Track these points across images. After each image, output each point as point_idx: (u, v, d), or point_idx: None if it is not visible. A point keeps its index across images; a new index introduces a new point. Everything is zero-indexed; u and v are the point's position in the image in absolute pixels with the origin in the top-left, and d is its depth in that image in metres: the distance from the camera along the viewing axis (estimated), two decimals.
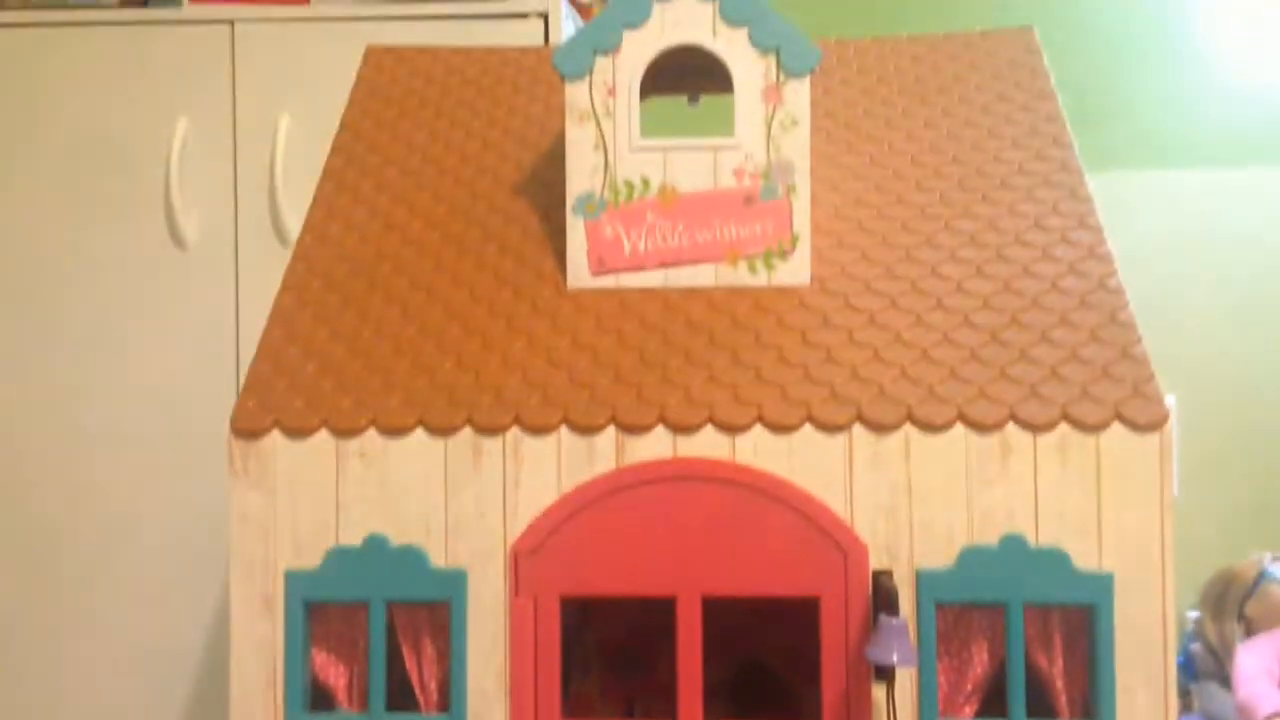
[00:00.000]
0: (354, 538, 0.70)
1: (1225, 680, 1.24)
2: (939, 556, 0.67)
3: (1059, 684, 0.68)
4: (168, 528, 1.38)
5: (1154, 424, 0.67)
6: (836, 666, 0.67)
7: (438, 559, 0.70)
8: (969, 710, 0.69)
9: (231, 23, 1.43)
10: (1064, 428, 0.67)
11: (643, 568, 0.68)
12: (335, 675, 0.72)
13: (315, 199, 0.87)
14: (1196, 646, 1.33)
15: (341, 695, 0.73)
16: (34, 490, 1.42)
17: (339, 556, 0.70)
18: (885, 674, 0.65)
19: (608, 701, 0.87)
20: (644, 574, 0.68)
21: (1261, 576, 1.26)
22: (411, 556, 0.70)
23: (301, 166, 1.36)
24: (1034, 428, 0.67)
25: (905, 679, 0.67)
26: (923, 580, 0.67)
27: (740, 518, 0.68)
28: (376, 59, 1.00)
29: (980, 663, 0.69)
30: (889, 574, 0.67)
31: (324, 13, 1.44)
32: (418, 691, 0.71)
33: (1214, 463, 1.62)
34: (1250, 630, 1.25)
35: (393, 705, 0.71)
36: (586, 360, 0.73)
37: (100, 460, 1.42)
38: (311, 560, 0.70)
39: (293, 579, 0.71)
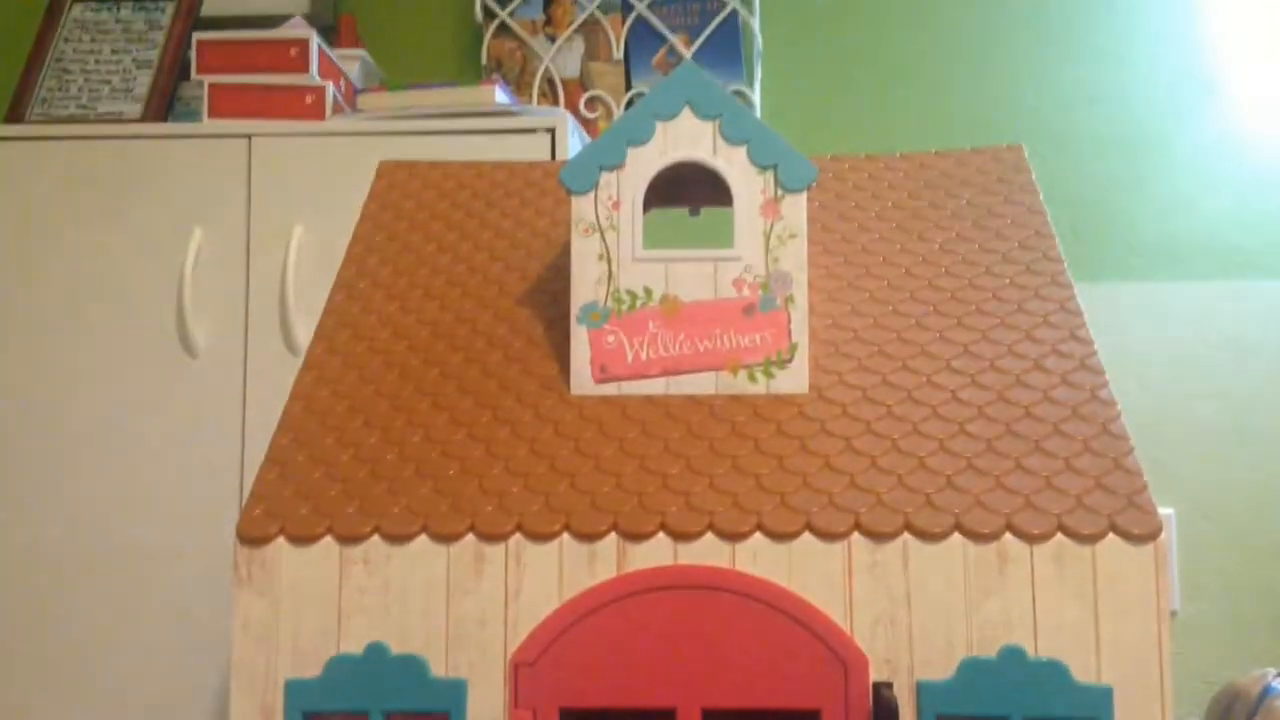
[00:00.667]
0: (355, 646, 0.70)
1: None
2: (939, 668, 0.67)
3: None
4: (169, 634, 1.37)
5: (1149, 535, 0.67)
6: None
7: (438, 668, 0.70)
8: None
9: (249, 137, 1.48)
10: (1060, 538, 0.68)
11: (642, 678, 0.68)
12: None
13: (326, 308, 0.89)
14: None
15: None
16: (37, 594, 1.42)
17: (339, 665, 0.70)
18: None
19: None
20: (643, 685, 0.68)
21: (1266, 692, 1.24)
22: (412, 666, 0.70)
23: (313, 277, 1.40)
24: (1030, 538, 0.68)
25: None
26: (924, 692, 0.67)
27: (740, 627, 0.68)
28: (389, 173, 1.03)
29: None
30: (889, 686, 0.67)
31: (339, 128, 1.49)
32: None
33: (1214, 577, 1.60)
34: None
35: None
36: (588, 467, 0.74)
37: (103, 565, 1.41)
38: (312, 668, 0.70)
39: (293, 688, 0.70)
